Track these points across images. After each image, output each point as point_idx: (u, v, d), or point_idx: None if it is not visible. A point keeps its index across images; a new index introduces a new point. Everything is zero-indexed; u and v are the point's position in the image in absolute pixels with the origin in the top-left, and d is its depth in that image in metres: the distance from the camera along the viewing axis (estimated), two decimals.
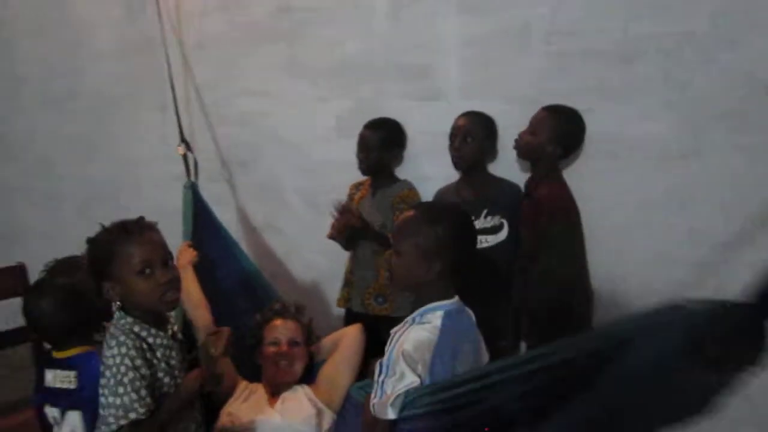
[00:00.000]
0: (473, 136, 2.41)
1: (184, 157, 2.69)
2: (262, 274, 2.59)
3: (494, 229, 2.40)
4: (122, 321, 1.61)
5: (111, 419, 1.52)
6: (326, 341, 2.27)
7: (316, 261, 3.07)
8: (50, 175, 4.09)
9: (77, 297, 1.77)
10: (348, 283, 2.71)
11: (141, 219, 1.69)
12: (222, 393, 2.08)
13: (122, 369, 1.52)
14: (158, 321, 1.67)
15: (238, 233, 3.23)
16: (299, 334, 2.20)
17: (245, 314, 2.34)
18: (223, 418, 1.99)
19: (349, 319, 2.65)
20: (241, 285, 2.52)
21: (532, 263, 2.26)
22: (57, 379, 1.80)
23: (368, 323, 2.38)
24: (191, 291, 2.19)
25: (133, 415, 1.50)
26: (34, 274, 2.14)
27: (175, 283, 1.64)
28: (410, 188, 2.63)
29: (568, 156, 2.33)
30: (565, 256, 2.25)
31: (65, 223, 3.95)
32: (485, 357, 1.67)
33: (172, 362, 1.66)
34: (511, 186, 2.44)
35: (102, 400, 1.54)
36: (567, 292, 2.23)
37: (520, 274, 2.37)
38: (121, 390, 1.51)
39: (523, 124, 2.36)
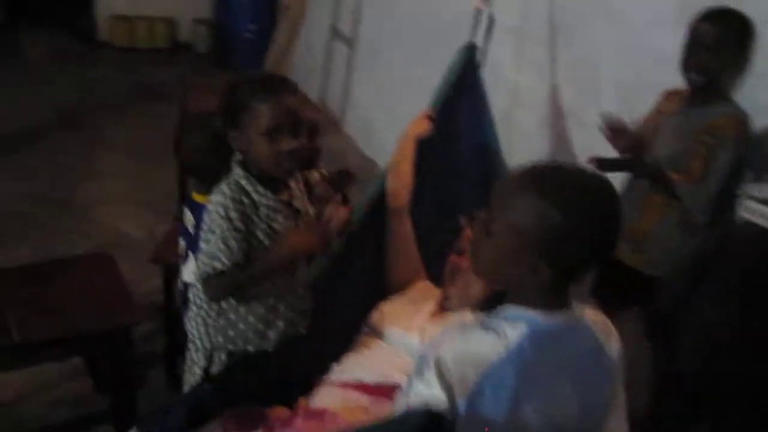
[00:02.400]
0: None
1: (478, 12, 2.32)
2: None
3: None
4: (234, 172, 1.56)
5: (200, 264, 1.52)
6: None
7: None
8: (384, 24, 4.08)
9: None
10: None
11: (284, 79, 1.58)
12: (391, 283, 1.92)
13: (214, 216, 1.49)
14: (272, 183, 1.57)
15: (542, 115, 2.81)
16: None
17: (466, 208, 2.03)
18: (374, 314, 1.84)
19: None
20: (476, 176, 2.19)
21: None
22: (187, 218, 1.85)
23: (611, 268, 1.92)
24: (401, 168, 1.98)
25: (218, 264, 1.47)
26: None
27: (297, 154, 1.52)
28: (734, 116, 1.86)
29: None
30: None
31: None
32: (609, 403, 1.12)
33: (276, 226, 1.56)
34: None
35: (200, 245, 1.55)
36: None
37: None
38: (210, 237, 1.49)
39: None
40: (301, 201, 1.68)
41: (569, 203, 0.95)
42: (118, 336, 1.91)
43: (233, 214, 1.49)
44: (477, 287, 1.71)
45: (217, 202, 1.50)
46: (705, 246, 1.94)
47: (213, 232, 1.49)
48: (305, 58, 5.49)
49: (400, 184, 1.96)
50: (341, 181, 2.04)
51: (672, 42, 1.96)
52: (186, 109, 2.40)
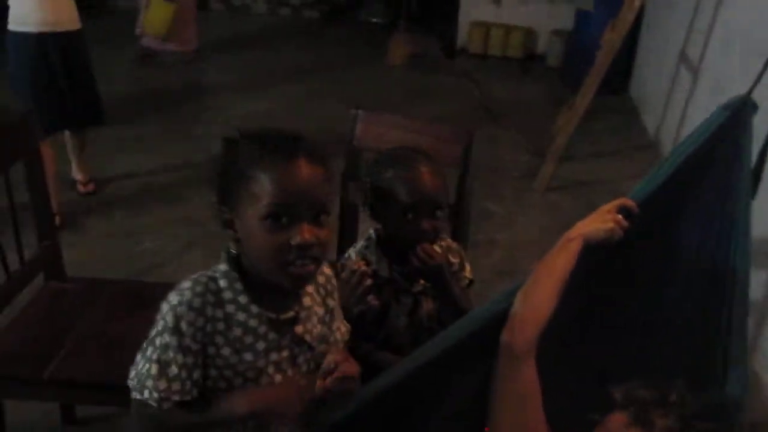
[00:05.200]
0: None
1: None
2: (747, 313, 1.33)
3: None
4: (218, 266, 1.09)
5: (129, 379, 1.08)
6: None
7: None
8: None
9: None
10: None
11: (301, 139, 1.04)
12: None
13: (161, 324, 1.05)
14: (269, 293, 1.08)
15: None
16: None
17: (631, 371, 1.18)
18: None
19: None
20: (682, 316, 1.35)
21: None
22: None
23: None
24: (540, 289, 1.25)
25: (146, 394, 1.05)
26: None
27: (311, 250, 1.00)
28: None
29: None
30: None
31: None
32: None
33: (248, 358, 1.08)
34: None
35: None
36: None
37: None
38: (149, 352, 1.06)
39: None
40: (312, 323, 1.15)
41: None
42: None
43: (185, 327, 1.03)
44: None
45: (171, 303, 1.05)
46: None
47: (152, 344, 1.05)
48: (650, 81, 4.77)
49: (532, 313, 1.24)
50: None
51: None
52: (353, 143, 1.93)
